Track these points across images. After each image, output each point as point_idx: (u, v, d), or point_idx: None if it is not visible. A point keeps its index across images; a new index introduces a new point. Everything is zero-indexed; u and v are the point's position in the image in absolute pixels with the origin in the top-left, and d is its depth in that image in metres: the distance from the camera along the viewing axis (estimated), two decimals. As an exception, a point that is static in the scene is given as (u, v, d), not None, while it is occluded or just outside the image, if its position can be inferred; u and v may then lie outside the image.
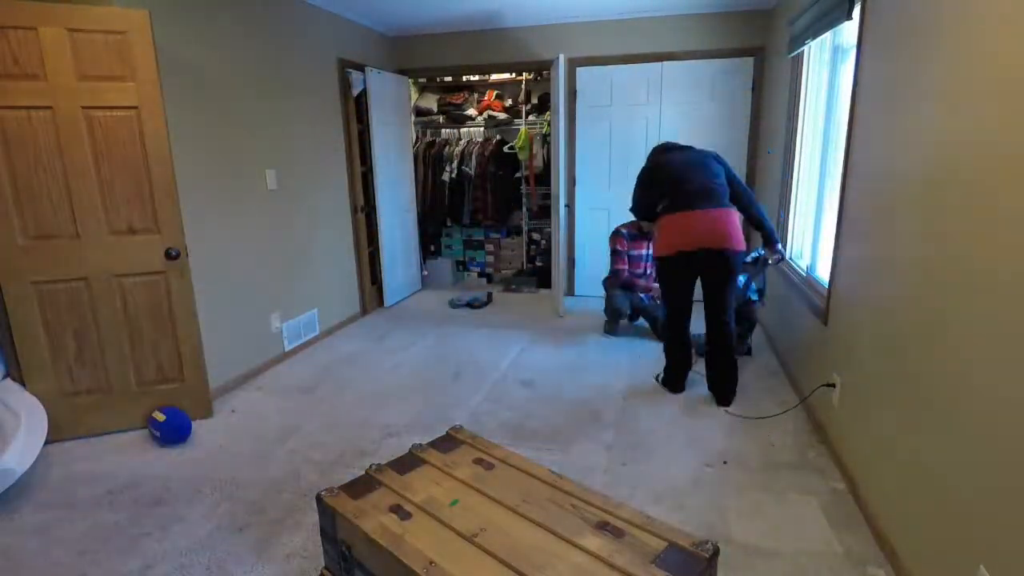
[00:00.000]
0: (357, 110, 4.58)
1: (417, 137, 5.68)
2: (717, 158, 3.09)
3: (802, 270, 3.37)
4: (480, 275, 5.95)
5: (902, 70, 1.96)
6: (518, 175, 5.48)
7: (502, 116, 5.49)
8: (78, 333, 2.70)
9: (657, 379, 3.34)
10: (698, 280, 3.04)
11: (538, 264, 5.67)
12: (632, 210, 3.31)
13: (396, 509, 1.59)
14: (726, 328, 3.00)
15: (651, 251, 3.66)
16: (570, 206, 5.10)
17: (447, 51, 5.09)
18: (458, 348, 4.00)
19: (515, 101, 5.49)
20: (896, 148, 1.98)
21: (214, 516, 2.19)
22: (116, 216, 2.67)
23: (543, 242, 5.63)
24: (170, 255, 2.76)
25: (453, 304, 5.05)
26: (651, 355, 3.72)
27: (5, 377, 2.66)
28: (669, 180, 3.02)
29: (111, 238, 2.68)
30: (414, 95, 5.64)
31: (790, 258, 3.69)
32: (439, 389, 3.33)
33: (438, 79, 5.60)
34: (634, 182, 3.24)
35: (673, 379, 3.20)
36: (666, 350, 3.22)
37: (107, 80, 2.54)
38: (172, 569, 1.91)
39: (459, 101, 5.55)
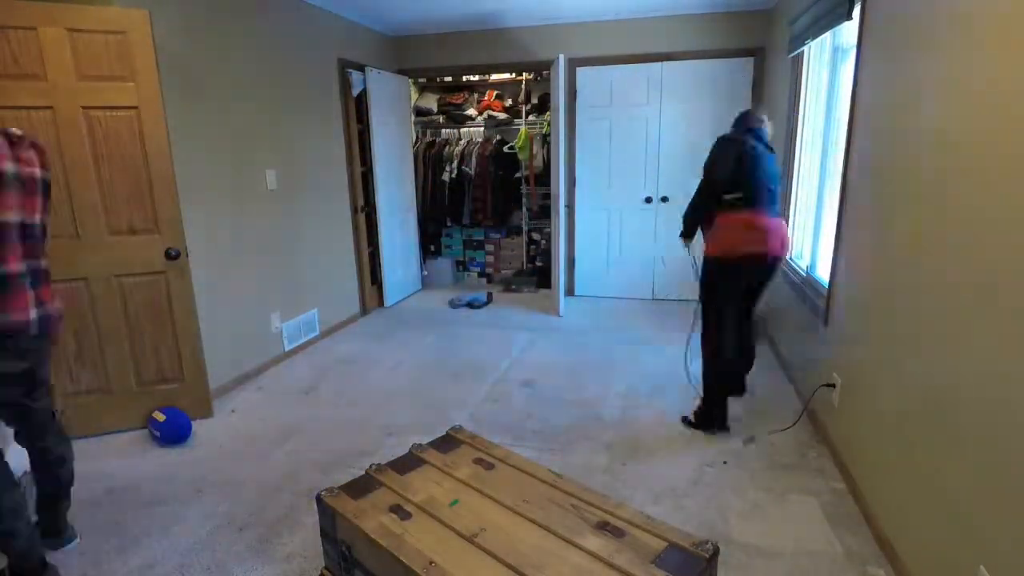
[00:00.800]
0: (357, 110, 4.57)
1: (417, 137, 5.68)
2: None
3: (802, 270, 3.37)
4: (480, 275, 5.95)
5: (902, 70, 1.96)
6: (518, 175, 5.48)
7: (502, 116, 5.49)
8: (78, 333, 2.70)
9: (686, 422, 2.81)
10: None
11: (538, 264, 5.67)
12: (698, 199, 2.64)
13: (396, 509, 1.59)
14: (754, 322, 2.83)
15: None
16: (570, 206, 5.10)
17: (447, 51, 5.09)
18: (458, 348, 4.00)
19: (515, 101, 5.48)
20: (896, 149, 1.98)
21: (214, 516, 2.19)
22: (116, 216, 2.67)
23: (543, 242, 5.63)
24: (170, 255, 2.76)
25: (453, 304, 5.05)
26: (651, 355, 3.72)
27: (5, 377, 2.65)
28: (755, 174, 2.53)
29: (111, 238, 2.68)
30: (414, 95, 5.63)
31: (790, 258, 3.69)
32: (439, 389, 3.33)
33: (438, 79, 5.60)
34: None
35: (717, 412, 2.71)
36: (717, 376, 2.70)
37: (107, 80, 2.54)
38: (172, 569, 1.91)
39: (459, 101, 5.55)
